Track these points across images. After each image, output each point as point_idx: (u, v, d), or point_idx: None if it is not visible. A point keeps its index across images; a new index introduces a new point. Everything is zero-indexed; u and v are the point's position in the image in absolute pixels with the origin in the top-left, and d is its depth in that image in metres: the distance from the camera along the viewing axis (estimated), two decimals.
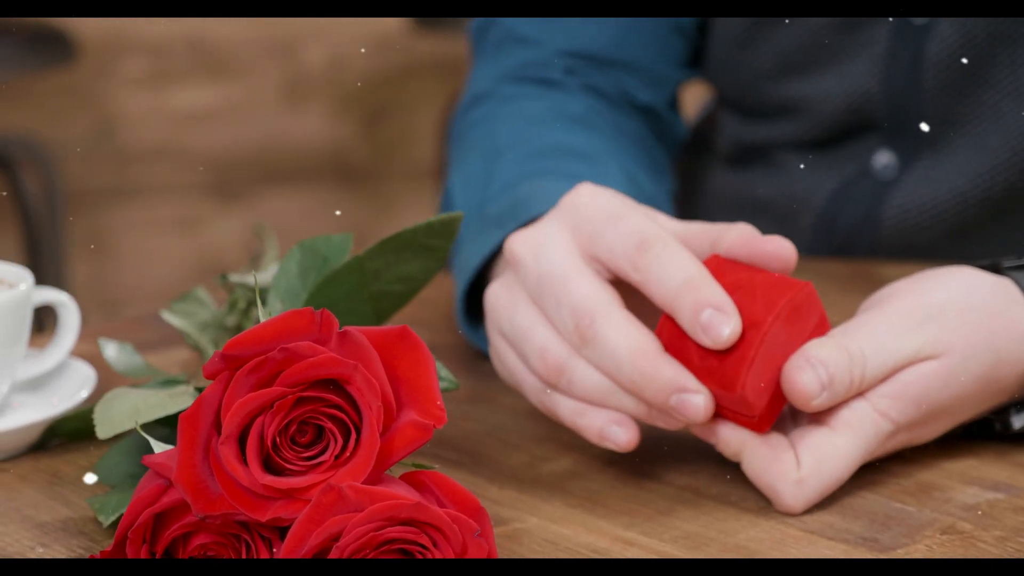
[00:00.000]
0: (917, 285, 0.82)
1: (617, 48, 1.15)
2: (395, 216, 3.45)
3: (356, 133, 3.52)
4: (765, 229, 1.21)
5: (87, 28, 3.21)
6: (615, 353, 0.78)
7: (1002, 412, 0.84)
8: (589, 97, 1.14)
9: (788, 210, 1.20)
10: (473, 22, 1.21)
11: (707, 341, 0.76)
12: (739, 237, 0.79)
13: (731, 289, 0.77)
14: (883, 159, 1.15)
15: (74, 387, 0.91)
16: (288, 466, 0.68)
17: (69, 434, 0.88)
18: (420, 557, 0.66)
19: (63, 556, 0.76)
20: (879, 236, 1.16)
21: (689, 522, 0.78)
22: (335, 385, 0.69)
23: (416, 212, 3.41)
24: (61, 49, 2.87)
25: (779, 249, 0.79)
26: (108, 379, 0.93)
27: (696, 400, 0.77)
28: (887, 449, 0.81)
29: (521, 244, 0.83)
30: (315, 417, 0.68)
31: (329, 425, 0.68)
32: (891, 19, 1.12)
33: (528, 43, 1.15)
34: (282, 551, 0.67)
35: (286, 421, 0.68)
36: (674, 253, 0.78)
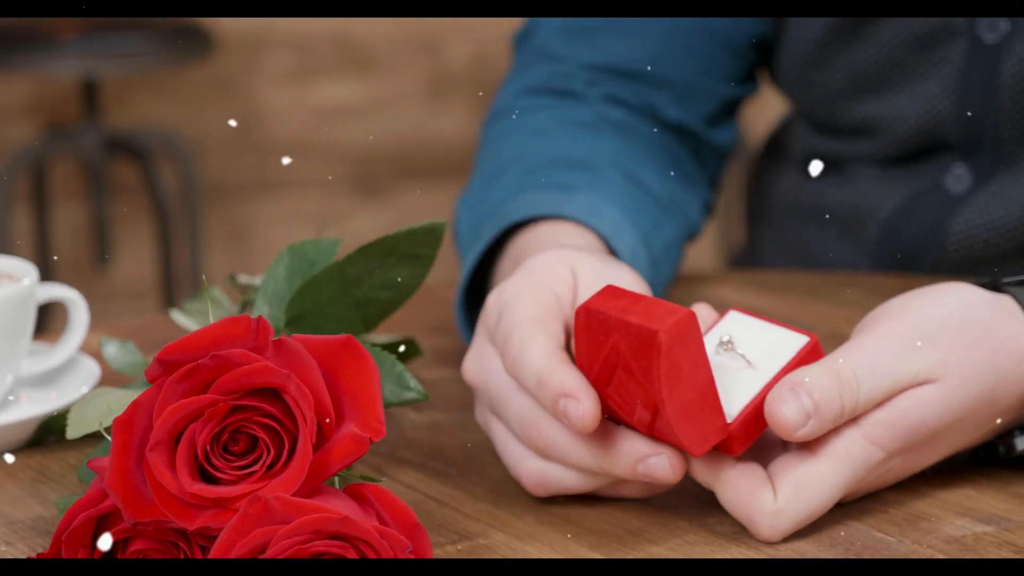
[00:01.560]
0: (911, 303, 0.79)
1: (648, 64, 1.13)
2: None
3: None
4: (831, 238, 1.19)
5: (232, 22, 3.25)
6: (572, 449, 0.77)
7: (1006, 434, 0.81)
8: (607, 106, 1.12)
9: (854, 219, 1.17)
10: (514, 37, 1.20)
11: (572, 429, 0.75)
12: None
13: (608, 371, 0.74)
14: (956, 175, 1.12)
15: (78, 384, 0.92)
16: (219, 475, 0.67)
17: (63, 431, 0.88)
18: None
19: (24, 555, 0.75)
20: (944, 250, 1.12)
21: (658, 544, 0.76)
22: (274, 394, 0.68)
23: None
24: (198, 44, 2.91)
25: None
26: (116, 378, 0.92)
27: (659, 461, 0.75)
28: (879, 476, 0.77)
29: (467, 371, 0.83)
30: (247, 426, 0.67)
31: (261, 435, 0.67)
32: (964, 38, 1.09)
33: (556, 59, 1.14)
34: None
35: (218, 429, 0.67)
36: (524, 352, 0.77)
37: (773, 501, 0.74)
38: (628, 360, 0.72)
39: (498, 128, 1.13)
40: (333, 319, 0.83)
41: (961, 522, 0.77)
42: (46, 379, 0.93)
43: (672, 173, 1.11)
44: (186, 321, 0.95)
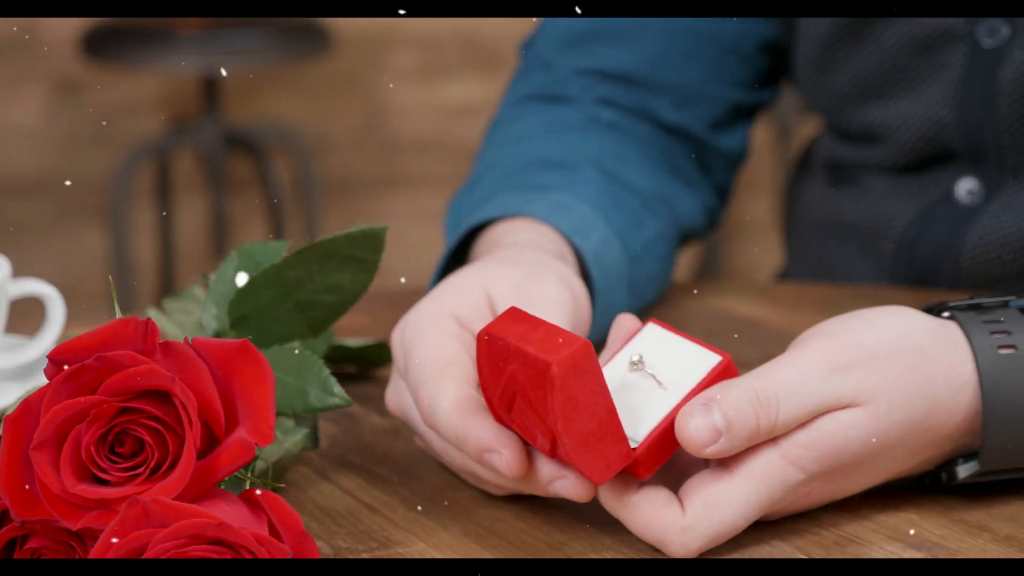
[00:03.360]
0: (848, 324, 0.77)
1: (645, 70, 1.11)
2: None
3: None
4: (849, 253, 1.17)
5: (358, 20, 3.27)
6: (494, 478, 0.78)
7: (949, 462, 0.78)
8: (599, 107, 1.11)
9: (871, 234, 1.14)
10: (521, 45, 1.19)
11: (503, 475, 0.75)
12: None
13: (509, 397, 0.72)
14: (966, 187, 1.09)
15: None
16: (105, 476, 0.67)
17: None
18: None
19: None
20: (959, 266, 1.09)
21: (577, 558, 0.74)
22: (164, 397, 0.68)
23: None
24: (316, 41, 2.93)
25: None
26: None
27: (563, 485, 0.74)
28: (801, 497, 0.75)
29: (388, 403, 0.84)
30: (134, 428, 0.67)
31: (147, 437, 0.67)
32: (965, 43, 1.06)
33: (550, 67, 1.13)
34: None
35: (104, 430, 0.67)
36: (434, 409, 0.76)
37: (682, 517, 0.73)
38: (526, 389, 0.71)
39: (490, 137, 1.13)
40: (276, 321, 0.83)
41: (892, 547, 0.75)
42: (20, 373, 0.94)
43: (664, 170, 1.10)
44: (161, 319, 0.95)
